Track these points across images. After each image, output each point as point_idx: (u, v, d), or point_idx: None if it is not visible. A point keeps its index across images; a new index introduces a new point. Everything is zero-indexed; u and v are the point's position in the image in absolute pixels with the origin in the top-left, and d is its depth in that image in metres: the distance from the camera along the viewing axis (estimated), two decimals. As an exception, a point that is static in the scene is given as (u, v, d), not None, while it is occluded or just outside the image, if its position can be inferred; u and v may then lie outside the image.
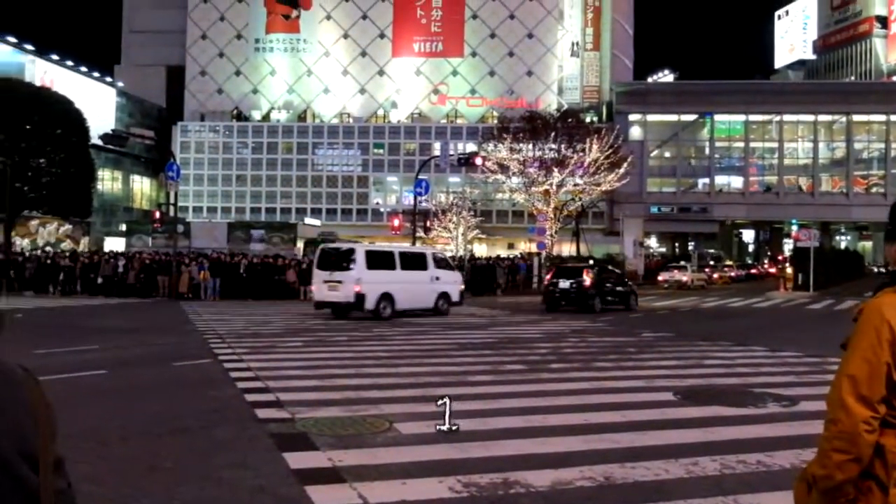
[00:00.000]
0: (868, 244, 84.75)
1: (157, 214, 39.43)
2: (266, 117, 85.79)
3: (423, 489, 5.31)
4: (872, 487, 1.93)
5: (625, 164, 48.04)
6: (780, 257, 69.38)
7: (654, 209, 71.72)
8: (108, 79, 77.66)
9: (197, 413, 7.90)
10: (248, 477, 5.60)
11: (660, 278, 46.01)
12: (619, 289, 26.85)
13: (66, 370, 10.44)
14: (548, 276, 27.84)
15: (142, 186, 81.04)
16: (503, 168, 48.08)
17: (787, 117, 73.44)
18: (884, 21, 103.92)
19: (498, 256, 50.35)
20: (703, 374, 11.16)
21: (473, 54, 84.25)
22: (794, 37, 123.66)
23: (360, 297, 20.22)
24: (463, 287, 24.72)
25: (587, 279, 25.16)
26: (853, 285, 42.90)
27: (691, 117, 73.93)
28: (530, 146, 48.50)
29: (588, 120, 64.27)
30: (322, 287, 20.97)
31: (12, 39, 61.49)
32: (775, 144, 74.33)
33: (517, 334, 17.26)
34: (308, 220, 69.50)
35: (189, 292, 28.85)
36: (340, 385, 9.65)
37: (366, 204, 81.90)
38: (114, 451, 6.36)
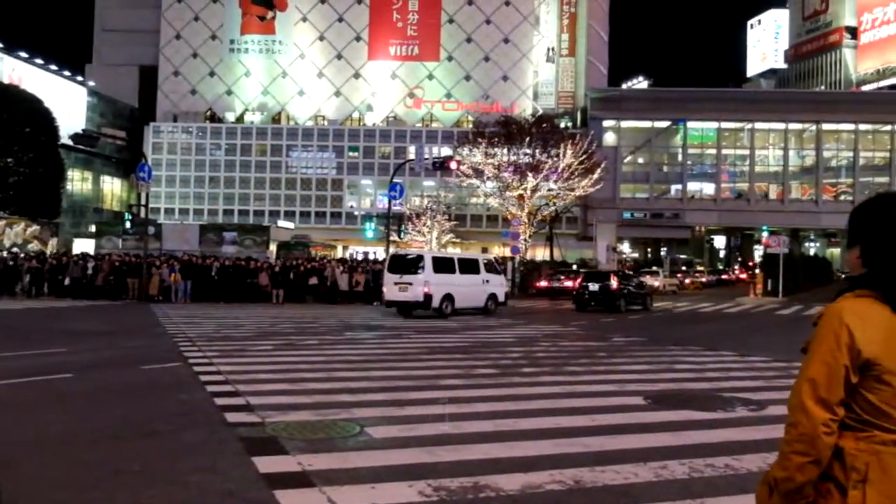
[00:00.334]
0: (836, 251, 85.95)
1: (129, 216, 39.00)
2: (240, 119, 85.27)
3: (392, 493, 5.29)
4: (832, 489, 1.96)
5: (598, 170, 48.39)
6: (750, 263, 70.23)
7: (627, 215, 72.29)
8: (80, 78, 76.79)
9: (166, 417, 7.81)
10: (217, 481, 5.54)
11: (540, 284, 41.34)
12: (638, 291, 29.85)
13: (32, 373, 10.28)
14: (578, 281, 31.10)
15: (112, 187, 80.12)
16: (478, 172, 48.21)
17: (758, 125, 74.42)
18: (853, 32, 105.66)
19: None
20: (674, 379, 11.23)
21: (449, 58, 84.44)
22: (766, 46, 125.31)
23: (427, 297, 22.99)
24: (507, 289, 27.97)
25: (614, 283, 28.39)
26: (821, 291, 43.48)
27: (665, 124, 74.64)
28: (505, 151, 48.66)
29: (563, 125, 64.63)
30: (392, 288, 23.64)
31: (-20, 36, 60.55)
32: (747, 152, 75.30)
33: (490, 338, 17.28)
34: (281, 223, 69.17)
35: (159, 295, 28.53)
36: (311, 389, 9.58)
37: (340, 207, 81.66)
38: (81, 455, 6.27)
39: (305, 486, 5.45)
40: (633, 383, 10.63)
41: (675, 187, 75.87)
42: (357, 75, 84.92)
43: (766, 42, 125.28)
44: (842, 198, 72.69)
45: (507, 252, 44.18)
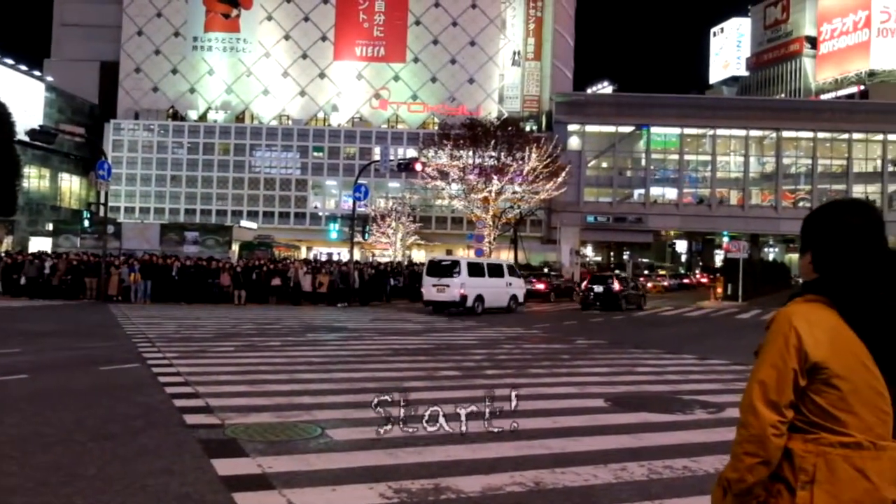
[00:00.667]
0: (795, 256, 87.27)
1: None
2: (203, 117, 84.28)
3: (353, 495, 5.28)
4: (782, 490, 2.01)
5: (563, 174, 48.75)
6: (711, 267, 71.22)
7: (591, 219, 72.91)
8: (37, 73, 75.15)
9: (123, 419, 7.69)
10: (175, 484, 5.48)
11: None
12: (635, 293, 33.20)
13: (-16, 374, 10.05)
14: (584, 283, 34.05)
15: (71, 185, 78.56)
16: (443, 174, 48.26)
17: (720, 131, 75.61)
18: (813, 41, 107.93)
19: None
20: (634, 381, 11.36)
21: (416, 60, 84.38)
22: (729, 54, 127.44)
23: (463, 298, 25.88)
24: (525, 291, 30.60)
25: (617, 285, 31.63)
26: (780, 295, 44.27)
27: (628, 129, 75.43)
28: (470, 153, 48.79)
29: (528, 129, 64.99)
30: (431, 290, 26.50)
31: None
32: (708, 157, 76.42)
33: (453, 340, 17.30)
34: (244, 223, 68.49)
35: (119, 295, 28.06)
36: (272, 391, 9.51)
37: (304, 207, 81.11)
38: (34, 458, 6.14)
39: (265, 488, 5.41)
40: (595, 386, 10.73)
41: (637, 192, 76.70)
42: (322, 75, 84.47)
43: (729, 50, 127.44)
44: (800, 204, 74.14)
45: (471, 254, 44.31)
